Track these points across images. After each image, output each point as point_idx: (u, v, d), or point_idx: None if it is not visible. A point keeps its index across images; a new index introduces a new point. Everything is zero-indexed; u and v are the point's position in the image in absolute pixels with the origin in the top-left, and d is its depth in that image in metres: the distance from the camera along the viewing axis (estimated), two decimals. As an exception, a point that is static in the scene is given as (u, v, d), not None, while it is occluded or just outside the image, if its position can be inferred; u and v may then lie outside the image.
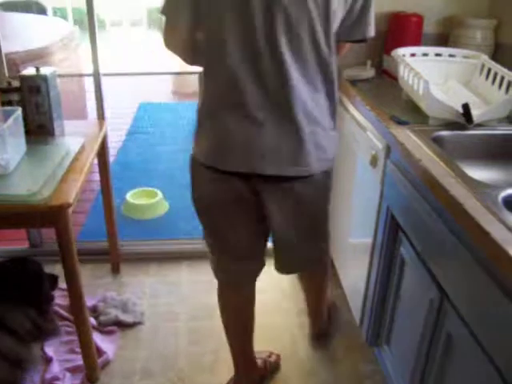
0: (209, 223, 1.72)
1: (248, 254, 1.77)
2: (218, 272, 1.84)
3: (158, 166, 4.18)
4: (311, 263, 1.89)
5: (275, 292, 2.54)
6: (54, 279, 2.13)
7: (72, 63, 3.86)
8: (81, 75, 3.15)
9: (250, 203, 1.60)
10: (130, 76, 5.79)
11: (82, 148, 2.03)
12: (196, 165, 1.60)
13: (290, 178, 1.52)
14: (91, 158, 2.00)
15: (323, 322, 2.29)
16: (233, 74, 1.41)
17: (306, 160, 1.50)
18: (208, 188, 1.61)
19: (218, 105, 1.50)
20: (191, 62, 1.59)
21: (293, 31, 1.38)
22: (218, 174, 1.53)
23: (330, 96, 1.51)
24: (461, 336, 1.28)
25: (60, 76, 2.19)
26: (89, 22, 2.35)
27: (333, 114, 1.55)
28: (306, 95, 1.45)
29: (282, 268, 1.86)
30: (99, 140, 2.18)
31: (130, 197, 3.33)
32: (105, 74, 2.50)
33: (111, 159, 4.16)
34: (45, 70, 2.06)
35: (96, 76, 2.46)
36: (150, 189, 3.45)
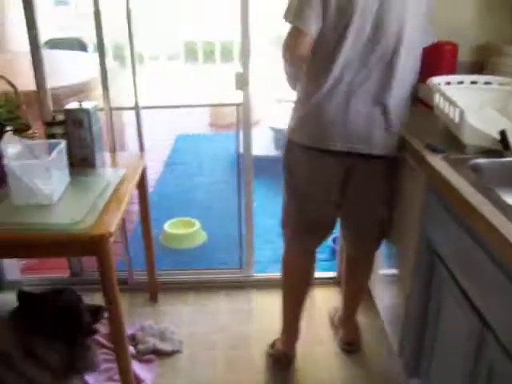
0: (302, 198, 2.00)
1: (326, 224, 2.08)
2: (295, 242, 2.15)
3: (196, 197, 4.24)
4: (375, 243, 2.17)
5: (311, 321, 2.53)
6: (97, 311, 2.02)
7: (112, 97, 3.96)
8: (121, 109, 3.23)
9: (340, 179, 1.92)
10: (167, 109, 5.93)
11: (123, 179, 2.08)
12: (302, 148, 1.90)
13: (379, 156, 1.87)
14: (131, 189, 2.05)
15: (357, 333, 2.41)
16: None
17: (389, 142, 1.86)
18: (312, 166, 1.92)
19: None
20: (304, 66, 1.85)
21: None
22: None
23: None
24: (503, 366, 1.26)
25: (101, 110, 2.26)
26: (131, 57, 2.44)
27: None
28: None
29: (354, 244, 2.21)
30: (139, 171, 2.23)
31: (167, 227, 3.38)
32: (143, 107, 2.57)
33: (150, 190, 4.26)
34: (87, 105, 2.13)
35: (136, 109, 2.53)
36: (188, 219, 3.49)
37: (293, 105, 1.94)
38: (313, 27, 1.69)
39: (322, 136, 1.84)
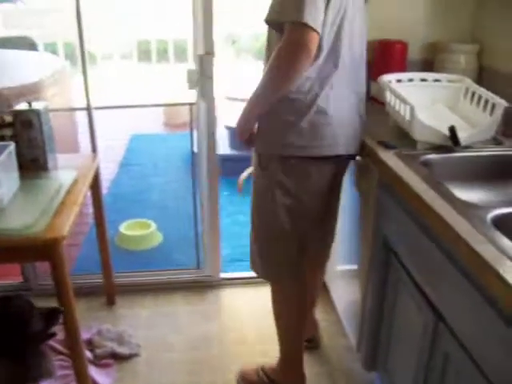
0: (300, 214, 1.82)
1: (326, 225, 2.01)
2: (287, 267, 1.91)
3: (151, 197, 4.20)
4: (333, 238, 2.13)
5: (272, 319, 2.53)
6: (53, 314, 1.88)
7: (64, 97, 3.89)
8: (73, 109, 3.18)
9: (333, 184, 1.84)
10: (121, 109, 5.84)
11: (75, 181, 2.04)
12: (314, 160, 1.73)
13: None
14: (84, 191, 2.01)
15: (317, 330, 2.38)
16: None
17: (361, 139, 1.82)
18: (331, 179, 1.80)
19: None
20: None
21: None
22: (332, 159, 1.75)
23: None
24: (457, 358, 1.28)
25: (52, 111, 2.21)
26: (81, 56, 2.39)
27: None
28: None
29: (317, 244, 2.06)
30: (92, 173, 2.19)
31: (123, 228, 3.34)
32: (96, 108, 2.52)
33: (104, 191, 4.19)
34: (37, 105, 2.08)
35: (89, 110, 2.49)
36: (143, 220, 3.45)
37: (284, 118, 1.68)
38: (318, 22, 1.50)
39: (335, 141, 1.70)
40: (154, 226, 3.38)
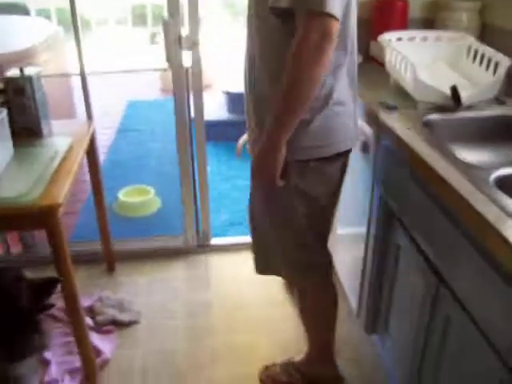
0: (329, 212, 1.71)
1: None
2: (318, 260, 1.76)
3: (149, 163, 4.17)
4: None
5: (271, 283, 2.53)
6: (50, 283, 1.80)
7: (57, 63, 3.82)
8: (66, 75, 3.12)
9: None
10: (117, 74, 5.76)
11: (70, 148, 2.01)
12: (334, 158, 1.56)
13: None
14: (80, 158, 1.98)
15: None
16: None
17: None
18: (342, 174, 1.65)
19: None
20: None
21: None
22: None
23: None
24: (458, 319, 1.27)
25: (46, 76, 2.17)
26: (73, 21, 2.33)
27: None
28: None
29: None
30: (87, 139, 2.16)
31: (122, 195, 3.31)
32: (91, 73, 2.47)
33: (101, 158, 4.15)
34: (29, 71, 2.03)
35: (82, 75, 2.44)
36: (142, 186, 3.43)
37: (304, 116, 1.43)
38: (337, 7, 1.30)
39: (347, 135, 1.57)
40: (152, 191, 3.36)
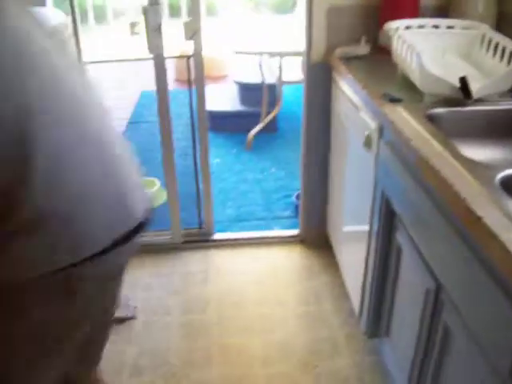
0: None
1: None
2: None
3: (159, 155, 4.09)
4: None
5: (272, 282, 2.45)
6: None
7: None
8: None
9: None
10: (131, 63, 5.70)
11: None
12: None
13: None
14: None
15: None
16: None
17: None
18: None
19: None
20: None
21: None
22: None
23: None
24: (457, 327, 1.18)
25: None
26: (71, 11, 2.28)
27: None
28: None
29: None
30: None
31: (126, 187, 3.24)
32: (90, 62, 2.41)
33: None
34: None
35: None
36: (148, 178, 3.35)
37: None
38: None
39: None
40: (158, 184, 3.28)
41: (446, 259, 1.18)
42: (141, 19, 2.31)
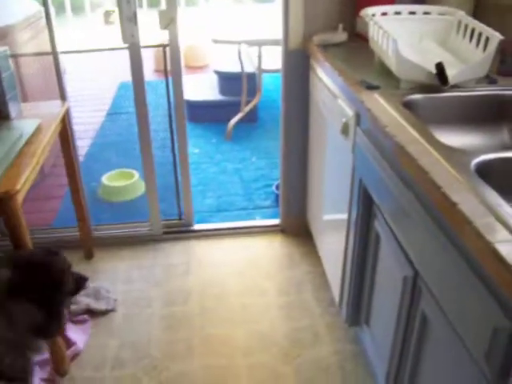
0: None
1: None
2: None
3: (137, 146, 4.05)
4: None
5: (253, 272, 2.44)
6: (82, 281, 1.81)
7: (41, 42, 3.69)
8: (37, 54, 3.01)
9: None
10: (110, 54, 5.62)
11: (38, 130, 1.90)
12: None
13: None
14: (46, 141, 1.87)
15: None
16: None
17: None
18: None
19: None
20: None
21: None
22: None
23: None
24: (434, 315, 1.18)
25: (26, 55, 2.06)
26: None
27: None
28: None
29: None
30: (57, 121, 2.05)
31: (105, 179, 3.21)
32: (62, 52, 2.37)
33: (90, 141, 4.05)
34: (-4, 51, 1.92)
35: (54, 54, 2.33)
36: (127, 170, 3.32)
37: None
38: None
39: None
40: (137, 175, 3.25)
41: (423, 246, 1.18)
42: (116, 8, 2.27)
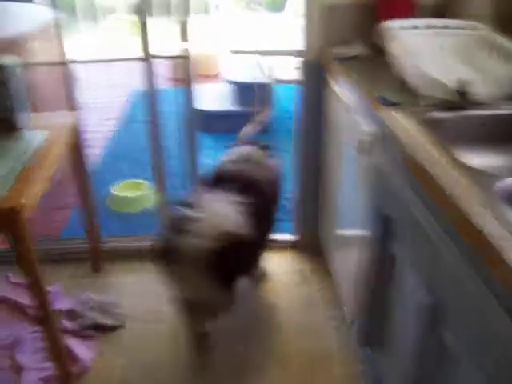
0: None
1: None
2: None
3: (148, 156, 4.03)
4: None
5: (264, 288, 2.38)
6: None
7: (57, 51, 3.67)
8: (49, 64, 2.99)
9: None
10: (123, 63, 5.61)
11: (47, 142, 1.87)
12: None
13: None
14: (56, 153, 1.84)
15: None
16: None
17: None
18: None
19: None
20: None
21: None
22: None
23: None
24: (453, 342, 1.11)
25: (37, 64, 2.03)
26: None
27: None
28: None
29: None
30: (66, 132, 2.02)
31: (115, 189, 3.17)
32: (73, 62, 2.35)
33: (102, 151, 4.02)
34: (5, 60, 1.88)
35: (65, 64, 2.32)
36: (138, 180, 3.28)
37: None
38: None
39: None
40: (147, 186, 3.20)
41: (444, 272, 1.12)
42: (132, 18, 2.26)
